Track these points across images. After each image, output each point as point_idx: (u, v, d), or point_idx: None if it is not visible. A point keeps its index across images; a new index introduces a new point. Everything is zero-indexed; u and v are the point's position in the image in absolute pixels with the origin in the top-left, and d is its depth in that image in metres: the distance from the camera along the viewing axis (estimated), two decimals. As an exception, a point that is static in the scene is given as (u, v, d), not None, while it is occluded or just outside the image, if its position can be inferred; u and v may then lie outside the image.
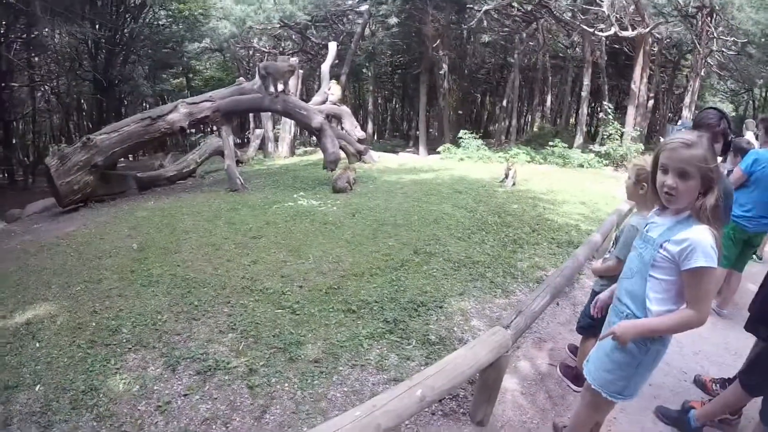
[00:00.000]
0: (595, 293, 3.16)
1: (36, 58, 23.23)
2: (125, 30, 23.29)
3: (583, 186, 11.35)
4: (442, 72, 24.26)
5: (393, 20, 22.68)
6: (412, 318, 4.42)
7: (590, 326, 3.41)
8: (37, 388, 3.57)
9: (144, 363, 3.80)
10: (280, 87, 10.52)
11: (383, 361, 3.79)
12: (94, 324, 4.37)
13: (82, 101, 27.33)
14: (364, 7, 26.87)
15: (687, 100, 20.60)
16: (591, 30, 19.65)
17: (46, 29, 20.00)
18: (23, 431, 3.22)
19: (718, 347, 4.56)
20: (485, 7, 19.95)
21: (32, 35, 20.82)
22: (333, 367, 3.72)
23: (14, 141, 22.76)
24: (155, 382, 3.58)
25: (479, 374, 2.92)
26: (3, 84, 20.41)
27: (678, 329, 2.19)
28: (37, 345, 4.11)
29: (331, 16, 27.69)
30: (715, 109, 3.70)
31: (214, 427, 3.16)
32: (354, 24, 28.68)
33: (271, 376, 3.60)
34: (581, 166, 15.83)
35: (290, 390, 3.48)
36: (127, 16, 23.42)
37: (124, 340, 4.09)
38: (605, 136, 18.52)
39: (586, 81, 21.44)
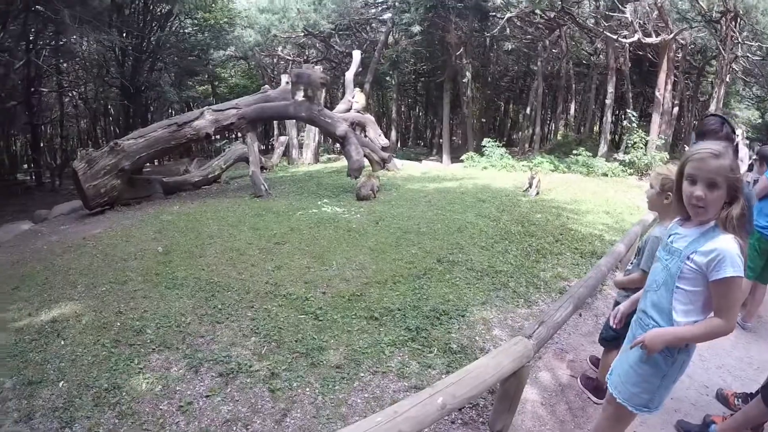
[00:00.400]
0: (617, 305, 3.12)
1: (64, 64, 23.72)
2: (152, 38, 23.71)
3: (607, 195, 11.25)
4: (465, 80, 24.25)
5: (416, 28, 22.73)
6: (434, 326, 4.43)
7: (613, 338, 3.38)
8: (60, 385, 3.64)
9: (167, 364, 3.87)
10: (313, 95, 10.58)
11: (404, 368, 3.80)
12: (118, 324, 4.46)
13: (109, 107, 27.86)
14: (387, 16, 27.08)
15: (712, 107, 20.18)
16: (614, 37, 19.48)
17: (74, 36, 20.42)
18: (45, 426, 3.27)
19: (741, 361, 4.49)
20: (508, 15, 19.98)
21: (61, 42, 21.31)
22: (354, 373, 3.74)
23: (42, 144, 23.26)
24: (178, 383, 3.64)
25: (500, 384, 2.93)
26: (32, 89, 20.92)
27: (706, 338, 2.18)
28: (62, 343, 4.21)
29: (355, 25, 27.87)
30: (715, 115, 3.73)
31: (234, 428, 3.21)
32: (377, 32, 28.89)
33: (293, 381, 3.63)
34: (605, 175, 15.69)
35: (311, 394, 3.51)
36: (153, 24, 23.86)
37: (148, 341, 4.17)
38: (629, 145, 18.32)
39: (610, 88, 21.21)
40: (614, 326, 2.84)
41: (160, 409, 3.37)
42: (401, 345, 4.12)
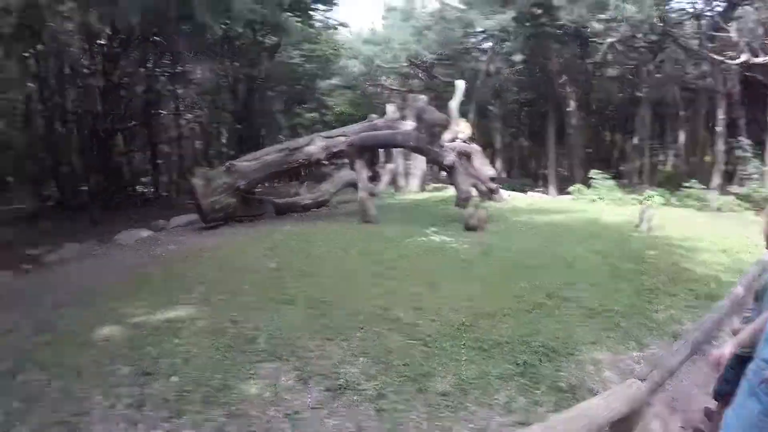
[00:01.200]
0: (735, 356, 2.80)
1: (180, 90, 25.54)
2: (262, 67, 25.09)
3: (722, 232, 10.60)
4: (569, 109, 23.77)
5: (518, 57, 22.63)
6: (543, 363, 4.40)
7: (729, 392, 3.18)
8: (172, 379, 3.93)
9: (277, 373, 4.07)
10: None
11: (511, 403, 3.81)
12: (232, 331, 4.78)
13: (222, 130, 29.55)
14: (487, 45, 27.04)
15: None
16: (719, 58, 18.37)
17: (188, 64, 22.07)
18: (155, 414, 3.53)
19: None
20: (609, 40, 19.43)
21: (177, 69, 23.13)
22: (460, 402, 3.78)
23: (159, 162, 25.17)
24: (286, 392, 3.81)
25: (609, 427, 2.91)
26: (152, 111, 22.81)
27: None
28: (176, 341, 4.55)
29: (456, 54, 28.10)
30: None
31: (339, 443, 3.33)
32: (479, 61, 28.91)
33: (399, 403, 3.72)
34: (719, 209, 14.78)
35: (417, 419, 3.58)
36: (262, 54, 25.25)
37: (260, 350, 4.40)
38: (744, 176, 17.15)
39: (721, 114, 19.90)
40: (715, 368, 2.62)
41: (268, 414, 3.55)
42: (509, 379, 4.12)
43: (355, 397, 3.77)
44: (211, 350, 4.41)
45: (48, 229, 14.54)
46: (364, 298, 5.71)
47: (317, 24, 27.05)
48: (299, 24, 22.00)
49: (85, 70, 20.66)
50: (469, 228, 9.67)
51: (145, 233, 11.01)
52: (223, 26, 19.39)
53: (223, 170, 10.66)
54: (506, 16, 21.25)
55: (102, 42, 19.47)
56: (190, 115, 28.42)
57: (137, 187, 24.47)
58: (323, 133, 12.14)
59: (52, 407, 3.70)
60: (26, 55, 19.25)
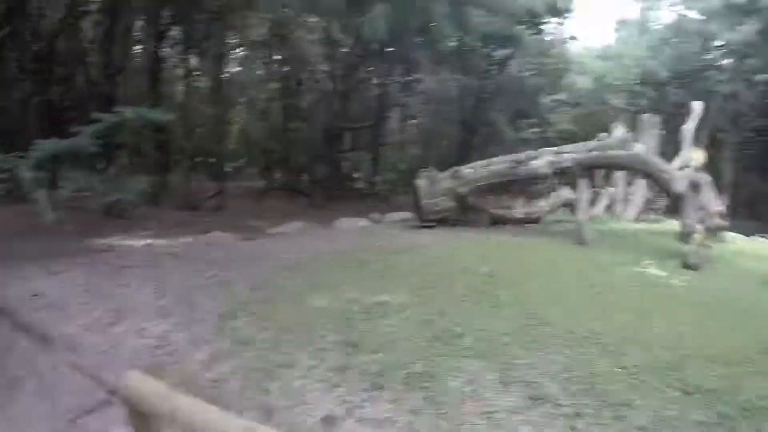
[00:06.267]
0: None
1: (409, 98, 27.11)
2: (491, 80, 25.69)
3: None
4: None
5: (761, 77, 20.16)
6: (747, 418, 4.20)
7: None
8: (378, 355, 4.32)
9: (479, 371, 4.28)
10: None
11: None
12: (439, 324, 5.10)
13: (443, 138, 30.86)
14: (726, 62, 24.60)
15: None
16: None
17: (422, 74, 23.49)
18: (354, 386, 3.90)
19: None
20: None
21: (407, 78, 24.71)
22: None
23: (376, 162, 27.37)
24: (486, 390, 4.02)
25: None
26: (381, 116, 24.73)
27: None
28: (385, 323, 5.02)
29: (693, 72, 26.05)
30: None
31: (531, 449, 3.46)
32: (715, 81, 26.44)
33: (594, 426, 3.77)
34: None
35: None
36: (493, 67, 25.82)
37: (465, 347, 4.65)
38: None
39: None
40: None
41: (464, 407, 3.80)
42: (707, 426, 4.02)
43: (552, 411, 3.88)
44: (417, 337, 4.75)
45: (270, 208, 16.40)
46: (572, 318, 5.80)
47: (548, 37, 27.03)
48: (533, 36, 22.14)
49: (323, 75, 23.37)
50: (689, 266, 9.17)
51: (362, 222, 12.14)
52: (456, 39, 20.51)
53: (448, 175, 11.35)
54: (751, 28, 19.20)
55: (344, 50, 21.79)
56: (414, 121, 30.13)
57: (357, 183, 26.67)
58: (552, 149, 12.26)
59: (257, 353, 4.40)
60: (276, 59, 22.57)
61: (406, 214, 12.48)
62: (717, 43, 23.98)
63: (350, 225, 11.76)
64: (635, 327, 5.87)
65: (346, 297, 5.71)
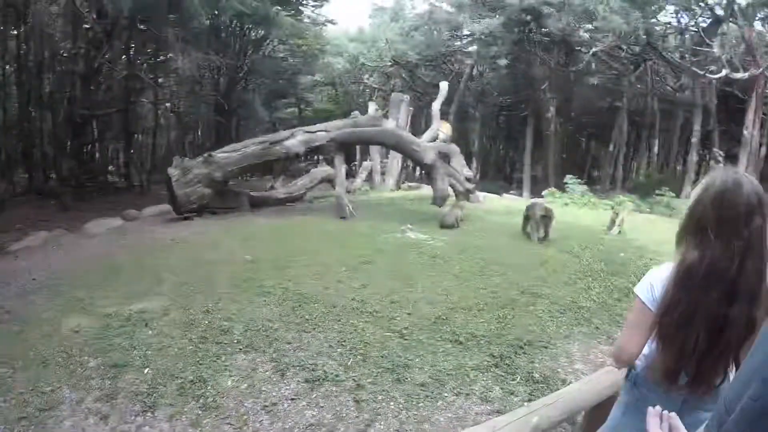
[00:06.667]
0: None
1: (161, 79, 25.28)
2: (246, 60, 24.94)
3: (691, 238, 10.84)
4: (549, 115, 24.10)
5: (502, 62, 22.91)
6: (518, 355, 4.51)
7: None
8: (145, 371, 3.91)
9: (253, 365, 4.08)
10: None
11: (488, 392, 3.90)
12: (206, 322, 4.74)
13: (199, 121, 29.37)
14: (472, 48, 27.33)
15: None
16: (701, 72, 18.95)
17: (172, 54, 21.91)
18: (127, 408, 3.48)
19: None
20: (594, 49, 19.84)
21: (159, 58, 22.86)
22: (438, 392, 3.85)
23: (132, 150, 24.99)
24: (263, 384, 3.82)
25: (586, 413, 3.01)
26: (131, 99, 22.56)
27: None
28: (149, 333, 4.51)
29: (441, 56, 28.30)
30: None
31: (318, 433, 3.35)
32: (462, 64, 29.17)
33: (378, 394, 3.77)
34: (690, 216, 15.10)
35: (395, 409, 3.63)
36: (248, 47, 25.12)
37: (235, 341, 4.39)
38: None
39: (696, 126, 20.49)
40: None
41: (245, 406, 3.56)
42: (485, 370, 4.22)
43: (333, 388, 3.81)
44: (184, 341, 4.38)
45: (14, 217, 14.20)
46: (339, 292, 5.75)
47: (305, 20, 27.01)
48: (288, 18, 21.97)
49: (65, 55, 20.35)
50: (446, 226, 9.72)
51: (116, 223, 10.86)
52: (210, 17, 19.33)
53: (200, 161, 10.54)
54: (495, 21, 21.56)
55: (87, 26, 19.18)
56: (168, 104, 28.12)
57: (109, 177, 24.17)
58: (305, 128, 12.11)
59: (17, 401, 3.59)
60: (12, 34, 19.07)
61: (165, 207, 11.40)
62: (465, 32, 26.03)
63: (103, 227, 10.32)
64: (402, 290, 5.95)
65: (103, 312, 5.04)
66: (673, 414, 1.26)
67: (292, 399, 3.67)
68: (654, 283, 1.96)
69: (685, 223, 1.94)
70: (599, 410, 2.98)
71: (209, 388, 3.73)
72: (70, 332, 4.60)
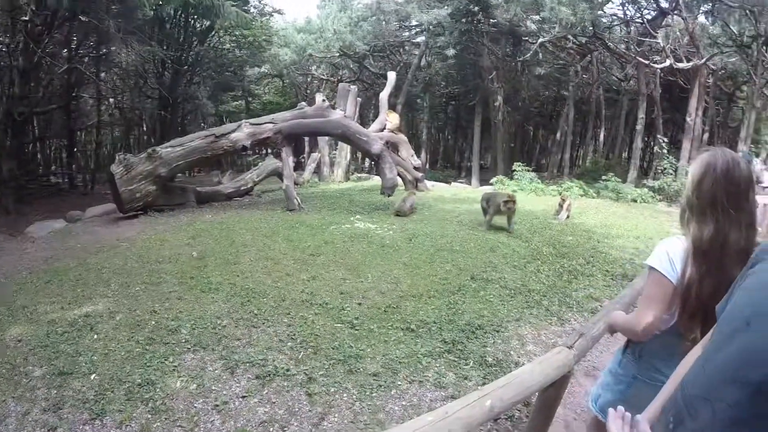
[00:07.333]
0: None
1: (103, 73, 24.36)
2: (191, 52, 24.28)
3: (636, 221, 11.18)
4: (496, 104, 24.36)
5: (450, 52, 23.01)
6: (470, 340, 4.51)
7: None
8: (92, 377, 3.76)
9: (202, 363, 3.97)
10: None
11: (441, 378, 3.89)
12: (153, 323, 4.61)
13: (144, 116, 28.49)
14: (421, 39, 27.42)
15: (743, 133, 19.99)
16: (646, 62, 19.54)
17: (115, 47, 21.09)
18: (74, 417, 3.35)
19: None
20: (541, 40, 20.13)
21: (102, 51, 21.99)
22: (391, 381, 3.82)
23: (75, 149, 23.98)
24: (213, 383, 3.72)
25: (539, 393, 2.98)
26: (73, 94, 21.61)
27: None
28: (95, 337, 4.35)
29: (389, 47, 28.24)
30: None
31: (271, 430, 3.30)
32: (411, 55, 29.22)
33: (330, 386, 3.73)
34: (634, 200, 15.56)
35: (349, 400, 3.59)
36: (193, 39, 24.44)
37: (183, 341, 4.30)
38: (659, 171, 18.26)
39: (641, 114, 21.09)
40: None
41: (195, 407, 3.49)
42: (437, 356, 4.20)
43: (284, 383, 3.74)
44: (131, 344, 4.24)
45: None
46: (289, 285, 5.65)
47: (252, 10, 26.39)
48: (234, 8, 21.39)
49: (3, 49, 19.35)
50: (401, 213, 9.78)
51: (59, 225, 10.42)
52: (154, 7, 18.66)
53: (144, 156, 10.17)
54: (443, 12, 21.62)
55: (25, 18, 18.22)
56: (111, 100, 27.13)
57: (52, 177, 23.19)
58: (251, 120, 11.85)
59: None
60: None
61: (110, 207, 11.08)
62: (413, 22, 26.21)
63: (46, 229, 9.87)
64: (351, 281, 5.89)
65: (47, 318, 4.84)
66: (639, 417, 1.24)
67: (243, 396, 3.59)
68: (673, 257, 2.03)
69: (693, 201, 2.03)
70: (553, 389, 2.98)
71: (158, 390, 3.61)
72: (13, 341, 4.39)
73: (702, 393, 1.04)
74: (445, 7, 21.88)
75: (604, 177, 17.65)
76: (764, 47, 17.97)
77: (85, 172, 23.10)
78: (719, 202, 1.94)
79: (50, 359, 4.02)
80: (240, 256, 6.75)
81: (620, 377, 2.36)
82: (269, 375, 3.82)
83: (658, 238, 9.22)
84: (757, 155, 15.13)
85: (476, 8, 21.45)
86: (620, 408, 1.33)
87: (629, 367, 2.32)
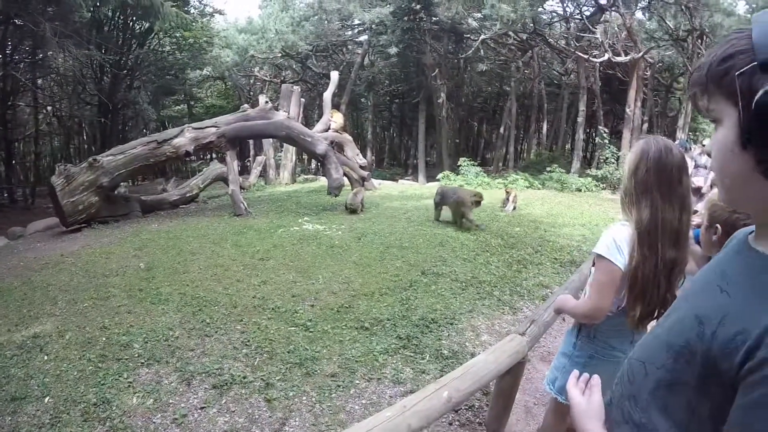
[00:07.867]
0: None
1: (40, 80, 23.43)
2: (131, 55, 23.55)
3: (581, 209, 11.51)
4: (440, 101, 24.60)
5: (392, 50, 23.07)
6: (425, 334, 4.53)
7: None
8: (46, 400, 3.61)
9: (158, 377, 3.86)
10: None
11: (399, 374, 3.89)
12: (104, 339, 4.45)
13: (84, 124, 27.46)
14: (363, 38, 27.46)
15: (680, 122, 21.05)
16: (585, 56, 20.18)
17: (53, 51, 20.27)
18: None
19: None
20: (482, 37, 20.46)
21: (38, 57, 21.09)
22: (350, 380, 3.80)
23: (13, 162, 22.89)
24: (170, 396, 3.63)
25: (496, 381, 3.02)
26: (9, 103, 20.65)
27: None
28: (45, 358, 4.17)
29: (332, 46, 28.12)
30: None
31: (233, 438, 3.22)
32: (353, 54, 29.19)
33: (289, 390, 3.67)
34: (579, 190, 16.04)
35: (308, 403, 3.55)
36: (132, 42, 23.71)
37: (136, 355, 4.17)
38: (602, 161, 18.87)
39: (582, 107, 21.78)
40: None
41: (154, 422, 3.37)
42: (394, 353, 4.21)
43: (242, 391, 3.69)
44: (83, 363, 4.07)
45: None
46: (240, 291, 5.57)
47: (192, 10, 25.70)
48: (174, 9, 20.81)
49: None
50: (352, 210, 9.92)
51: (0, 242, 9.98)
52: (91, 9, 18.00)
53: (85, 166, 9.78)
54: (385, 10, 21.69)
55: None
56: (49, 108, 26.05)
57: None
58: (194, 124, 11.56)
59: None
60: None
61: (52, 221, 10.65)
62: (356, 21, 26.13)
63: None
64: (302, 283, 5.85)
65: None
66: (597, 376, 1.30)
67: (202, 408, 3.50)
68: (620, 244, 2.16)
69: (630, 188, 2.16)
70: (510, 376, 3.02)
71: (114, 408, 3.49)
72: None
73: (641, 357, 1.11)
74: (388, 6, 21.95)
75: (548, 168, 18.16)
76: (699, 40, 18.84)
77: (24, 186, 22.08)
78: (651, 188, 2.08)
79: (1, 385, 3.83)
80: (189, 264, 6.60)
81: (575, 358, 2.45)
82: (226, 384, 3.74)
83: (603, 225, 9.58)
84: (695, 142, 15.88)
85: (418, 6, 21.61)
86: (577, 371, 1.38)
87: (585, 347, 2.43)
